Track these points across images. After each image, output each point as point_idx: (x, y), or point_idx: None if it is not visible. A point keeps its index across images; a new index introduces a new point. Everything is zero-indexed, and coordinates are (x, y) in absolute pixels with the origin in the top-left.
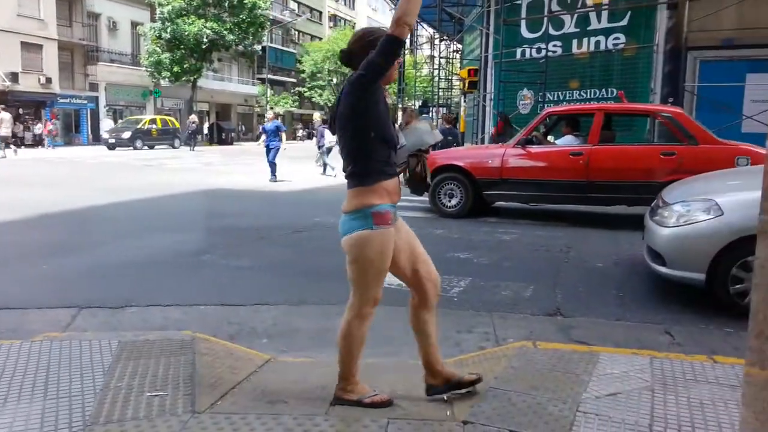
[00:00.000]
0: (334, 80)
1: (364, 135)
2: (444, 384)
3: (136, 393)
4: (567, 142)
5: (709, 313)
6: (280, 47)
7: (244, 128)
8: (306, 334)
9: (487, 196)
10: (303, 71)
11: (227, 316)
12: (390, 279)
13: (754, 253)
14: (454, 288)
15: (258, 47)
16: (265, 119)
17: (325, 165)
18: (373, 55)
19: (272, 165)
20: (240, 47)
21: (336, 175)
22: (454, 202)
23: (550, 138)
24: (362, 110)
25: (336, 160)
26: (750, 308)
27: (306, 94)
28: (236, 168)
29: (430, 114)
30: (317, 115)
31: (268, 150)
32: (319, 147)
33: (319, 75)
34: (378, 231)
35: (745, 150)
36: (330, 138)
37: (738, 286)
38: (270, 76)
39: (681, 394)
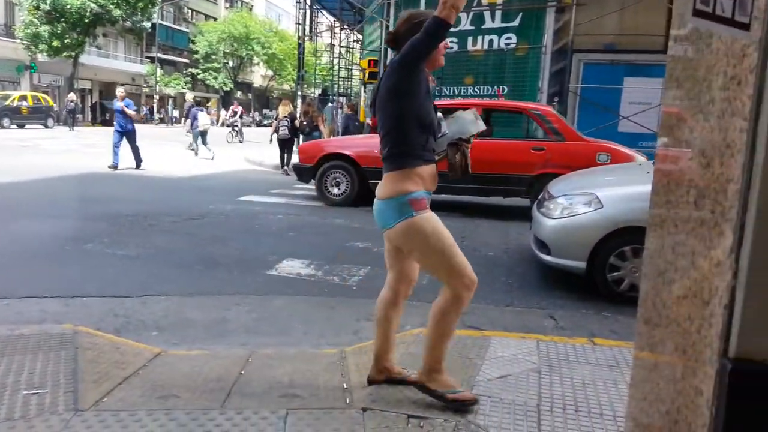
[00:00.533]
0: (230, 63)
1: (402, 117)
2: (385, 381)
3: (11, 391)
4: None
5: (589, 298)
6: (171, 25)
7: None
8: (200, 325)
9: (373, 185)
10: (196, 52)
11: (113, 308)
12: (293, 269)
13: (629, 243)
14: (353, 277)
15: (147, 24)
16: (117, 97)
17: (198, 147)
18: (417, 37)
19: (115, 150)
20: (127, 23)
21: (213, 158)
22: (340, 190)
23: None
24: (402, 92)
25: (214, 144)
26: (639, 295)
27: (200, 76)
28: (121, 151)
29: (333, 102)
30: (189, 96)
31: (121, 133)
32: (193, 129)
33: (213, 57)
34: (420, 216)
35: (606, 147)
36: (204, 121)
37: (615, 273)
38: (160, 55)
39: (565, 375)
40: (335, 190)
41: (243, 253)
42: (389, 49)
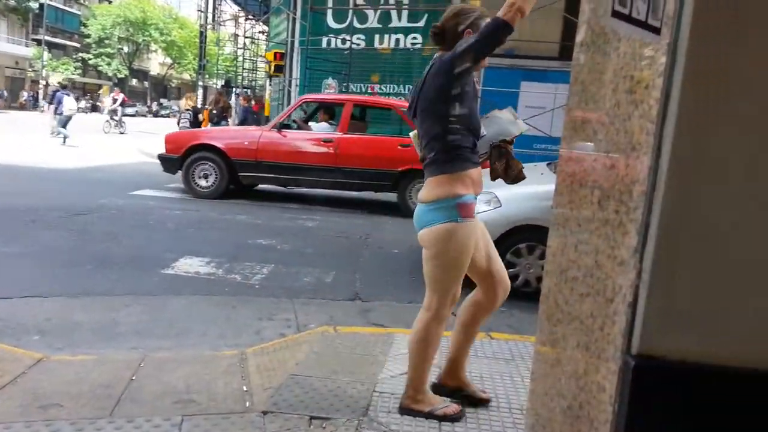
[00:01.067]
0: (125, 49)
1: (450, 120)
2: (455, 390)
3: None
4: (322, 128)
5: None
6: (61, 6)
7: (6, 94)
8: (87, 328)
9: (243, 178)
10: (88, 36)
11: None
12: (191, 267)
13: (525, 241)
14: (256, 275)
15: (34, 4)
16: None
17: (62, 134)
18: (475, 39)
19: None
20: (11, 2)
21: (77, 145)
22: (208, 182)
23: (312, 124)
24: (453, 94)
25: (89, 132)
26: (530, 291)
27: (91, 62)
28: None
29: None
30: (54, 80)
31: None
32: (57, 115)
33: (107, 42)
34: (464, 223)
35: None
36: (70, 106)
37: (510, 270)
38: (48, 38)
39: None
40: (203, 183)
41: (136, 251)
42: (436, 45)
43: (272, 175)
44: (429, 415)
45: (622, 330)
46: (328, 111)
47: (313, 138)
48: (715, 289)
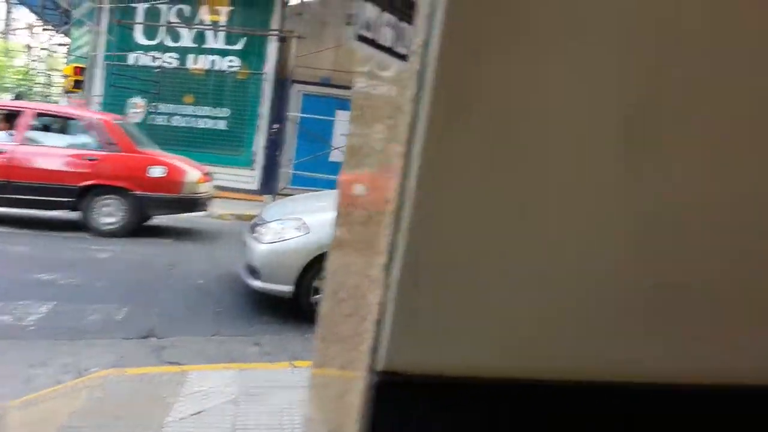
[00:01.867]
0: None
1: None
2: None
3: None
4: None
5: (295, 321)
6: None
7: None
8: None
9: None
10: None
11: None
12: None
13: None
14: (31, 315)
15: None
16: None
17: None
18: None
19: None
20: None
21: None
22: None
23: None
24: None
25: None
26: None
27: None
28: None
29: None
30: None
31: None
32: None
33: None
34: None
35: (160, 161)
36: None
37: (317, 296)
38: None
39: (263, 402)
40: None
41: None
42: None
43: None
44: None
45: (370, 348)
46: (9, 120)
47: None
48: (454, 306)
